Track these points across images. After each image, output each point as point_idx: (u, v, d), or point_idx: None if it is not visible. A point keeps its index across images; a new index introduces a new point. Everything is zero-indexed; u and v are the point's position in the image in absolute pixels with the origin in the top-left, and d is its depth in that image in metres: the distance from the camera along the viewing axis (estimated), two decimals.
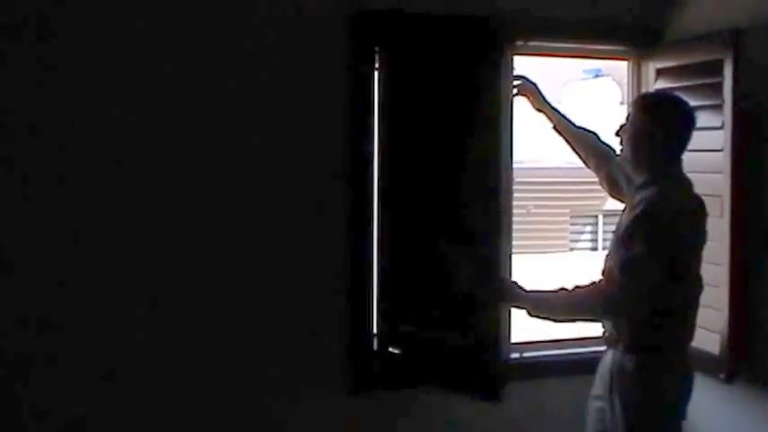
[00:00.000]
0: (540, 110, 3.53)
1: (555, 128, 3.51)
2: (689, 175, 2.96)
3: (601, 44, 3.95)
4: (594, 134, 3.42)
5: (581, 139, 3.44)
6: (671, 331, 2.92)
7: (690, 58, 3.56)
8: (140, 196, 3.19)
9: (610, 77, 12.53)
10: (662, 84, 3.71)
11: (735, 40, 3.27)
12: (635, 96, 3.08)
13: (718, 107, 3.31)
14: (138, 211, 3.20)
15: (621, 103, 10.95)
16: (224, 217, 3.31)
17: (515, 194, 3.82)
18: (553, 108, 3.51)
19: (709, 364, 3.42)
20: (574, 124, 3.47)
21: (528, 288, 2.96)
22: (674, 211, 2.82)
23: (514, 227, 3.80)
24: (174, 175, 3.23)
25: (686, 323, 2.96)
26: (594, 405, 3.07)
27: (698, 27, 3.61)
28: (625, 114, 3.04)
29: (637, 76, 3.90)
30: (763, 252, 3.35)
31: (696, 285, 2.95)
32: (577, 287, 2.88)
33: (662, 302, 2.83)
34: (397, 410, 3.52)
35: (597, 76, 12.87)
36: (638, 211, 2.82)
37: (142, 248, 3.21)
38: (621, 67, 4.16)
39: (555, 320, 2.92)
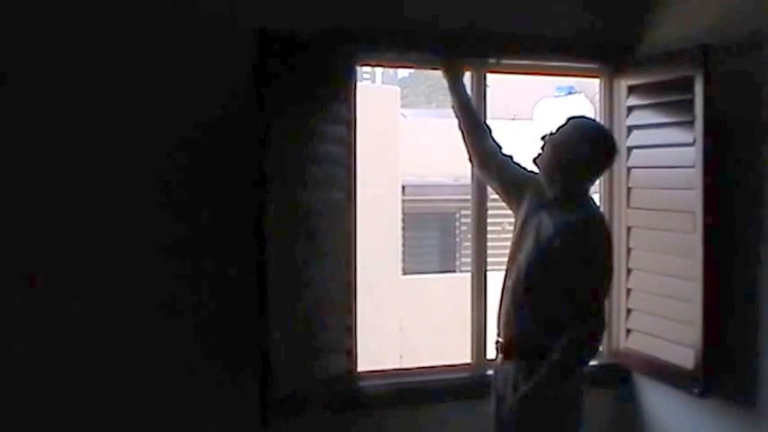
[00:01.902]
0: (451, 85, 3.54)
1: (453, 109, 3.55)
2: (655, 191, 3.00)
3: (573, 62, 3.97)
4: (489, 130, 3.49)
5: (474, 130, 3.48)
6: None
7: (661, 75, 3.59)
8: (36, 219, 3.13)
9: (582, 94, 12.57)
10: (634, 100, 3.73)
11: (705, 56, 3.30)
12: (572, 116, 3.14)
13: (689, 123, 3.34)
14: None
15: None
16: (135, 240, 3.24)
17: (489, 212, 3.82)
18: (462, 91, 3.54)
19: (683, 379, 3.44)
20: (475, 115, 3.54)
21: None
22: (605, 232, 3.09)
23: (489, 244, 3.81)
24: (68, 202, 3.16)
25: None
26: (493, 406, 3.19)
27: (669, 44, 3.64)
28: (556, 126, 3.12)
29: (609, 94, 3.93)
30: (740, 269, 3.38)
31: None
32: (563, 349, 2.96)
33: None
34: None
35: (570, 93, 12.91)
36: (574, 233, 2.97)
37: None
38: (594, 85, 4.19)
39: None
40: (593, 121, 3.21)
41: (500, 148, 3.45)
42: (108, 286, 3.21)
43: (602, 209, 3.78)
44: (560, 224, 2.97)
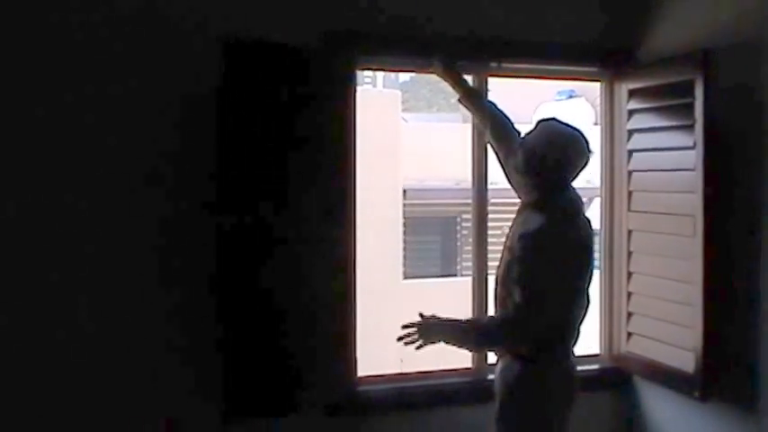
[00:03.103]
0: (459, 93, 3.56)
1: (460, 100, 3.55)
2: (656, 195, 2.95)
3: (573, 65, 3.98)
4: (506, 119, 3.47)
5: (486, 117, 3.49)
6: (558, 341, 3.04)
7: (661, 78, 3.59)
8: None
9: (583, 98, 12.58)
10: (635, 104, 3.74)
11: (705, 60, 3.31)
12: (541, 119, 3.12)
13: (689, 127, 3.34)
14: None
15: (595, 123, 11.04)
16: (100, 235, 3.22)
17: (490, 216, 3.82)
18: (471, 91, 3.55)
19: (684, 383, 3.44)
20: (484, 102, 3.53)
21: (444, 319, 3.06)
22: (562, 242, 2.96)
23: (490, 248, 3.80)
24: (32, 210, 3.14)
25: (572, 333, 3.08)
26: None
27: (670, 48, 3.64)
28: (525, 132, 3.11)
29: (609, 98, 3.93)
30: (740, 272, 3.38)
31: (582, 302, 3.06)
32: (485, 321, 3.07)
33: (556, 319, 3.00)
34: None
35: (570, 97, 12.93)
36: (530, 240, 2.94)
37: None
38: (594, 88, 4.19)
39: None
40: (562, 123, 3.15)
41: (517, 134, 3.40)
42: (69, 283, 3.19)
43: (598, 212, 3.78)
44: (523, 231, 2.98)
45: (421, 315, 3.06)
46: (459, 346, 3.07)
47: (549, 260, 2.93)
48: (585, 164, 3.08)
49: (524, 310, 2.91)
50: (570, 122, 3.14)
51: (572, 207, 3.07)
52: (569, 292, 3.00)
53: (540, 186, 3.06)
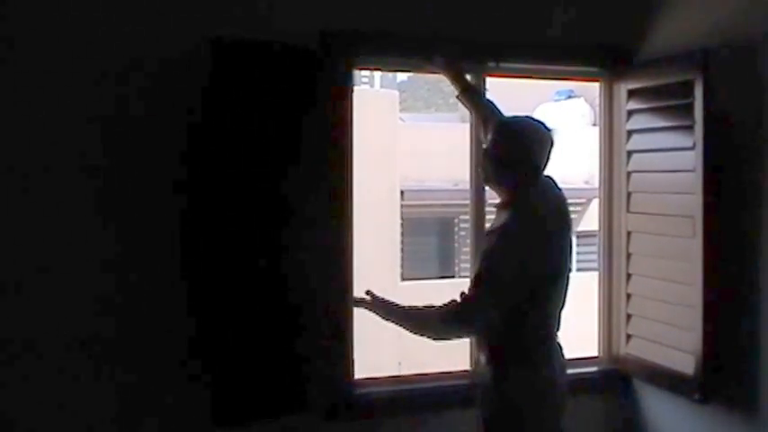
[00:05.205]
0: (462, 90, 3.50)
1: (458, 97, 3.50)
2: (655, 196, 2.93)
3: (572, 66, 3.96)
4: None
5: (482, 116, 3.43)
6: (526, 346, 2.97)
7: (661, 78, 3.57)
8: None
9: (582, 99, 12.57)
10: (634, 105, 3.72)
11: (704, 60, 3.29)
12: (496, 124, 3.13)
13: (689, 127, 3.32)
14: None
15: (594, 124, 11.03)
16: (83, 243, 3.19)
17: (488, 217, 3.80)
18: (470, 87, 3.50)
19: (683, 385, 3.42)
20: (482, 100, 3.49)
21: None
22: (525, 239, 2.89)
23: None
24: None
25: (542, 341, 3.00)
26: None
27: (669, 48, 3.63)
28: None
29: (608, 98, 3.91)
30: (740, 273, 3.36)
31: (552, 303, 3.00)
32: (427, 307, 3.05)
33: (512, 320, 2.92)
34: None
35: (569, 97, 12.91)
36: (494, 237, 2.94)
37: None
38: (593, 89, 4.17)
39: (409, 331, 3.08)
40: (507, 120, 3.14)
41: None
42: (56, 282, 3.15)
43: (597, 214, 3.75)
44: (490, 228, 3.01)
45: (368, 293, 3.14)
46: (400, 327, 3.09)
47: (509, 256, 2.87)
48: (546, 149, 2.98)
49: (471, 302, 2.94)
50: (518, 117, 3.12)
51: (541, 201, 3.00)
52: (529, 289, 2.91)
53: (503, 187, 3.03)
